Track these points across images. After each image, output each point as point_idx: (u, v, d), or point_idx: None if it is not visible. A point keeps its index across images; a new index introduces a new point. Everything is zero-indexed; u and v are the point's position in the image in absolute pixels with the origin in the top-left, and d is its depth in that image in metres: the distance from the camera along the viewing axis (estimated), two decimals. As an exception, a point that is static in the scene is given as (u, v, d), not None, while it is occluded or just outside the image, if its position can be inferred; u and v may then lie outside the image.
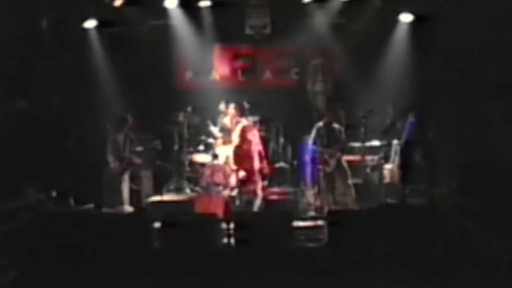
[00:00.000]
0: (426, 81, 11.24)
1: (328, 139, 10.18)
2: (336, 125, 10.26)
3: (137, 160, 10.73)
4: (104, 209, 10.16)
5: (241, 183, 10.21)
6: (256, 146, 10.53)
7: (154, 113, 12.13)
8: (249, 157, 10.32)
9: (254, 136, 10.60)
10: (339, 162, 10.16)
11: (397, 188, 10.32)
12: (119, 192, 10.35)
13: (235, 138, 10.65)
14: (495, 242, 6.79)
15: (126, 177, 10.51)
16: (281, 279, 6.62)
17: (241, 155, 10.34)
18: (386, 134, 10.56)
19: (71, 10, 11.98)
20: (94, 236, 7.07)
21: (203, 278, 6.66)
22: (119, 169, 10.41)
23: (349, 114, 11.55)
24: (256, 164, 10.31)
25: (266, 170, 10.60)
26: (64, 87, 11.83)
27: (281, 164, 11.87)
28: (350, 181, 10.22)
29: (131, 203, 10.56)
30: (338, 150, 10.15)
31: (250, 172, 10.25)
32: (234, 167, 10.41)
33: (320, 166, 10.22)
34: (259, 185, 10.28)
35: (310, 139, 10.39)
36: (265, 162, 10.59)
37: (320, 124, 10.42)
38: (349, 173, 10.26)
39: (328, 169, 10.15)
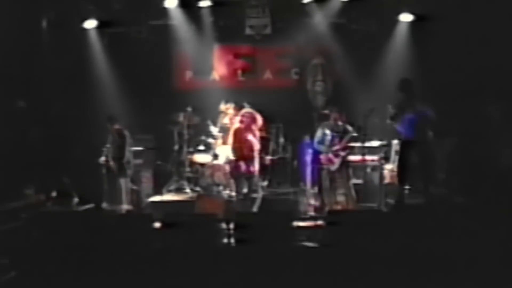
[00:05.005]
0: (426, 81, 11.23)
1: (332, 138, 10.17)
2: (340, 124, 10.24)
3: (134, 160, 10.68)
4: (104, 206, 10.17)
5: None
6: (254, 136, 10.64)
7: (154, 113, 12.14)
8: (244, 143, 10.49)
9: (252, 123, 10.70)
10: (343, 161, 10.15)
11: (397, 188, 10.30)
12: (117, 191, 10.33)
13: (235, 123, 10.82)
14: (495, 242, 6.78)
15: (124, 177, 10.48)
16: (281, 279, 6.62)
17: (237, 141, 10.49)
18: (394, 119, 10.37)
19: (71, 10, 12.01)
20: (94, 236, 7.06)
21: (203, 278, 6.65)
22: (116, 168, 10.40)
23: (349, 114, 11.53)
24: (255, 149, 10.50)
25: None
26: (64, 87, 11.85)
27: (281, 155, 11.83)
28: (351, 181, 10.22)
29: (131, 203, 10.55)
30: (342, 149, 10.13)
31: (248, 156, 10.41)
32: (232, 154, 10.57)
33: (324, 165, 10.20)
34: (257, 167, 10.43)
35: (315, 138, 10.37)
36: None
37: (325, 123, 10.41)
38: (351, 173, 10.26)
39: (332, 168, 10.14)
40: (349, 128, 10.20)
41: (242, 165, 10.46)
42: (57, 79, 11.74)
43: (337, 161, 10.13)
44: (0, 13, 10.23)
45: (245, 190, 10.48)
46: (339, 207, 9.92)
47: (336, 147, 10.12)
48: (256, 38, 12.83)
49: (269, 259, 6.82)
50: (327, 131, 10.23)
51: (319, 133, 10.34)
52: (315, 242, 7.60)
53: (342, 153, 10.14)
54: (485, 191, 9.50)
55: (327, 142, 10.18)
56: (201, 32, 12.65)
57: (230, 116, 11.47)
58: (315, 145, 10.35)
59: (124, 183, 10.46)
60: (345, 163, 10.19)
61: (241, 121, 10.65)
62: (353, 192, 10.15)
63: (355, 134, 10.20)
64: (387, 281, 6.55)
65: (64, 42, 11.90)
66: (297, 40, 12.66)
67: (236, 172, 10.50)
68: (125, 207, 10.34)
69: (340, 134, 10.17)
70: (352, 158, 10.47)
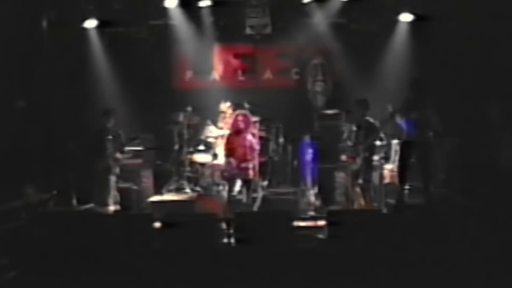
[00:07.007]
0: (426, 81, 11.23)
1: (357, 135, 9.85)
2: (369, 119, 9.81)
3: (120, 157, 10.52)
4: (95, 208, 10.00)
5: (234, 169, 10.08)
6: (251, 137, 10.31)
7: (154, 113, 12.14)
8: (242, 146, 10.12)
9: (249, 128, 10.35)
10: (365, 161, 9.73)
11: (397, 188, 10.29)
12: (105, 191, 10.13)
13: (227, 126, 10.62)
14: (495, 242, 6.79)
15: (112, 175, 10.34)
16: (281, 279, 6.62)
17: (234, 144, 10.16)
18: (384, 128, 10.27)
19: (71, 10, 12.01)
20: (94, 236, 7.06)
21: (203, 278, 6.66)
22: (104, 167, 10.28)
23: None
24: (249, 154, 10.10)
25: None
26: (64, 87, 11.86)
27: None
28: (372, 182, 9.89)
29: (123, 203, 10.41)
30: (366, 148, 9.71)
31: (241, 159, 10.06)
32: (224, 157, 10.27)
33: (345, 164, 10.02)
34: (251, 170, 10.04)
35: (344, 135, 10.16)
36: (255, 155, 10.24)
37: (352, 118, 10.16)
38: (373, 173, 9.92)
39: (354, 168, 9.96)
40: (377, 124, 9.79)
41: (236, 167, 10.16)
42: (57, 78, 11.74)
43: (358, 160, 9.87)
44: (0, 13, 10.23)
45: (237, 190, 10.27)
46: (339, 207, 9.91)
47: (358, 145, 9.86)
48: (256, 38, 12.82)
49: (269, 259, 6.82)
50: (354, 128, 9.88)
51: (346, 130, 10.15)
52: (315, 242, 7.61)
53: (365, 152, 9.72)
54: (485, 191, 9.50)
55: (352, 139, 9.98)
56: (201, 32, 12.64)
57: (228, 116, 11.42)
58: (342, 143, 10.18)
59: (111, 182, 10.25)
60: (367, 163, 9.79)
61: (236, 124, 10.26)
62: (372, 193, 9.94)
63: (376, 133, 9.78)
64: (387, 281, 6.55)
65: (64, 42, 11.90)
66: (297, 40, 12.66)
67: (229, 174, 10.25)
68: (112, 207, 10.06)
69: (365, 131, 9.77)
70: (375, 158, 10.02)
